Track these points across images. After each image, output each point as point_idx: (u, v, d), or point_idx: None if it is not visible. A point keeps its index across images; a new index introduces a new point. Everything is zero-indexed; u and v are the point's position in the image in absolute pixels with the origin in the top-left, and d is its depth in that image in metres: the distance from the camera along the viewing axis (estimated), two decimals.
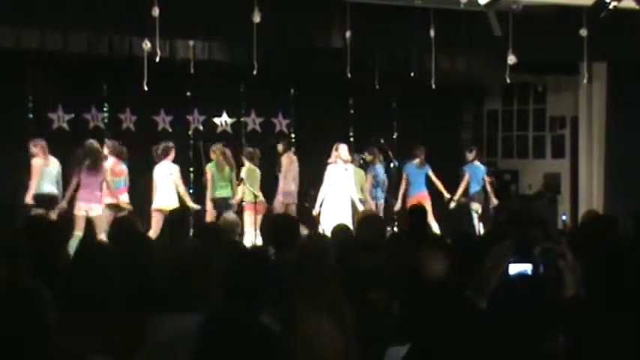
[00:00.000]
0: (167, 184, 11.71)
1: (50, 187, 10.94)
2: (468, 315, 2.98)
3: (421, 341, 3.00)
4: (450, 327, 2.95)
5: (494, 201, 13.74)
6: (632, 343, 3.38)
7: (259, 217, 11.39)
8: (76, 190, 10.94)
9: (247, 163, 12.30)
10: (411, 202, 12.26)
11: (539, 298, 2.98)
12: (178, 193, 11.75)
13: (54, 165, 11.04)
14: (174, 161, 11.92)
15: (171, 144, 11.98)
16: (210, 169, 12.18)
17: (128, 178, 11.69)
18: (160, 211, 11.32)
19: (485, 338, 2.91)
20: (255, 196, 11.78)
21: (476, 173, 13.76)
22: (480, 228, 12.95)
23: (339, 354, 2.95)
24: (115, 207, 11.22)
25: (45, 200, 10.80)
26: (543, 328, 2.93)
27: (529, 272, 3.49)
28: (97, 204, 11.01)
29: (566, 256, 3.89)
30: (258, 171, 12.40)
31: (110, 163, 11.42)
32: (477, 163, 13.86)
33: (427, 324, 3.00)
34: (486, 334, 2.93)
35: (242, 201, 12.09)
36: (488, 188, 13.81)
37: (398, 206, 13.34)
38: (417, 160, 13.39)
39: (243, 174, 12.06)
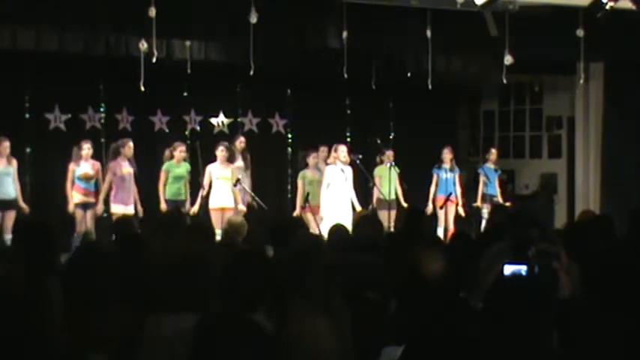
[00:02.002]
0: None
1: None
2: (463, 315, 2.99)
3: (416, 341, 3.01)
4: (445, 327, 2.95)
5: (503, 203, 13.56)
6: (628, 343, 3.39)
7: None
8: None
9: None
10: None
11: (534, 299, 2.99)
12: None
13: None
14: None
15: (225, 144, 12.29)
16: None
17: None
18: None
19: (480, 339, 2.92)
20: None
21: (490, 175, 13.66)
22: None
23: (334, 354, 2.96)
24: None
25: None
26: (538, 330, 2.94)
27: (524, 273, 3.50)
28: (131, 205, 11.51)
29: (561, 257, 3.90)
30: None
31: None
32: (490, 165, 13.78)
33: (422, 324, 3.00)
34: (481, 335, 2.93)
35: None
36: (498, 190, 13.71)
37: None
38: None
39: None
